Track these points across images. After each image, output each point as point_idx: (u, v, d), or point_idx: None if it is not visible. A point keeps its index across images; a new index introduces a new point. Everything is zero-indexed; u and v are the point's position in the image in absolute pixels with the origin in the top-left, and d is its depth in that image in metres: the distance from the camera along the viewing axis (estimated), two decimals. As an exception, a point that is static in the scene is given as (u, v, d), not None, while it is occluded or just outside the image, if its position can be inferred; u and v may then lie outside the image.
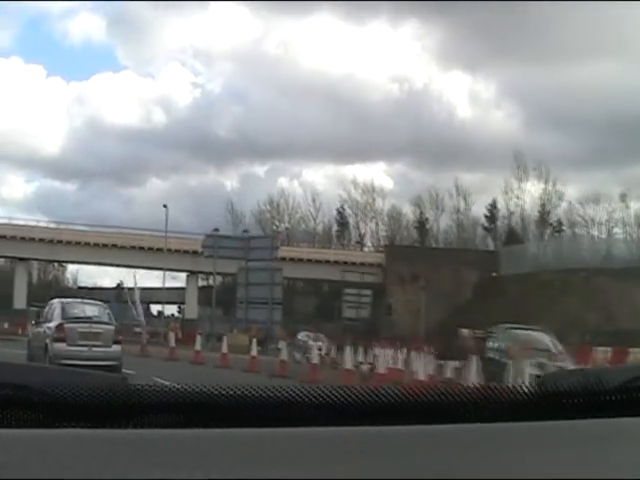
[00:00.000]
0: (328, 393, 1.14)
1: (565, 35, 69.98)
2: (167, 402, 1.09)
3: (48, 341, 15.08)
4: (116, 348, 15.19)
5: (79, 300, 17.43)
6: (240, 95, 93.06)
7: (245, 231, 39.60)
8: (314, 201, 68.87)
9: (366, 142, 76.48)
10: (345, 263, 57.23)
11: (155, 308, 61.18)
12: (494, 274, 52.82)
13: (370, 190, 68.09)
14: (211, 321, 31.56)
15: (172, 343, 23.49)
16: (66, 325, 14.96)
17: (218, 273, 37.95)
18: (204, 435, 1.03)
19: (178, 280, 62.08)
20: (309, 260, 55.68)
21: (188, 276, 59.30)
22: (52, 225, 59.95)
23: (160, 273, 56.48)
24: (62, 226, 58.95)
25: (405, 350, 16.65)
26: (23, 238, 55.51)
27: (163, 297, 51.82)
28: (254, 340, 20.28)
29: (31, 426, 1.05)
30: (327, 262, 57.43)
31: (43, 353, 14.96)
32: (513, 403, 1.21)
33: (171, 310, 64.10)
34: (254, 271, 28.66)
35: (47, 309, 16.57)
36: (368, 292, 44.40)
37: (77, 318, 15.32)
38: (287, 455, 1.00)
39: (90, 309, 16.17)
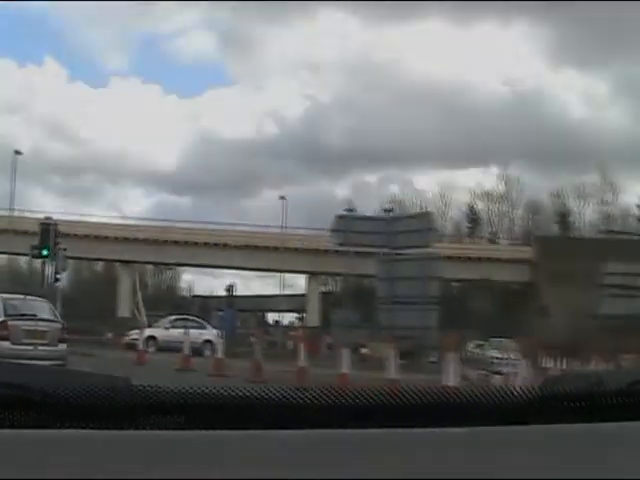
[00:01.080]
0: (329, 395, 1.14)
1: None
2: (169, 403, 1.09)
3: None
4: (62, 347, 14.57)
5: (21, 296, 15.92)
6: (350, 104, 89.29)
7: (387, 210, 29.69)
8: (443, 197, 63.37)
9: (479, 146, 71.46)
10: (489, 260, 51.10)
11: (272, 318, 57.17)
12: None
13: (495, 193, 62.81)
14: (346, 329, 24.71)
15: (302, 361, 16.07)
16: (10, 322, 14.18)
17: (346, 274, 31.49)
18: (206, 437, 1.04)
19: (294, 288, 57.12)
20: (449, 258, 48.64)
21: (309, 277, 53.29)
22: (158, 223, 55.39)
23: (276, 281, 51.73)
24: (168, 224, 54.35)
25: None
26: (127, 239, 50.98)
27: (280, 304, 46.54)
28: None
29: (32, 427, 1.04)
30: (469, 259, 50.86)
31: None
32: (515, 406, 1.21)
33: (289, 319, 59.66)
34: (401, 262, 21.72)
35: None
36: None
37: (21, 315, 14.52)
38: (289, 457, 1.01)
39: (34, 305, 15.30)
